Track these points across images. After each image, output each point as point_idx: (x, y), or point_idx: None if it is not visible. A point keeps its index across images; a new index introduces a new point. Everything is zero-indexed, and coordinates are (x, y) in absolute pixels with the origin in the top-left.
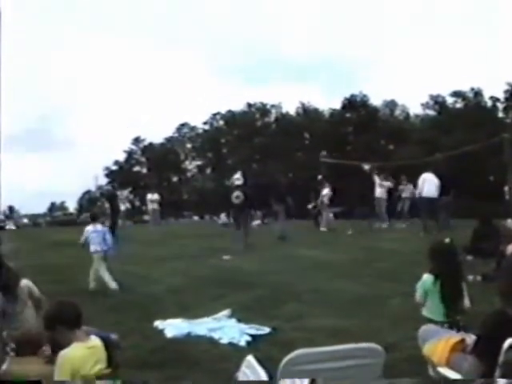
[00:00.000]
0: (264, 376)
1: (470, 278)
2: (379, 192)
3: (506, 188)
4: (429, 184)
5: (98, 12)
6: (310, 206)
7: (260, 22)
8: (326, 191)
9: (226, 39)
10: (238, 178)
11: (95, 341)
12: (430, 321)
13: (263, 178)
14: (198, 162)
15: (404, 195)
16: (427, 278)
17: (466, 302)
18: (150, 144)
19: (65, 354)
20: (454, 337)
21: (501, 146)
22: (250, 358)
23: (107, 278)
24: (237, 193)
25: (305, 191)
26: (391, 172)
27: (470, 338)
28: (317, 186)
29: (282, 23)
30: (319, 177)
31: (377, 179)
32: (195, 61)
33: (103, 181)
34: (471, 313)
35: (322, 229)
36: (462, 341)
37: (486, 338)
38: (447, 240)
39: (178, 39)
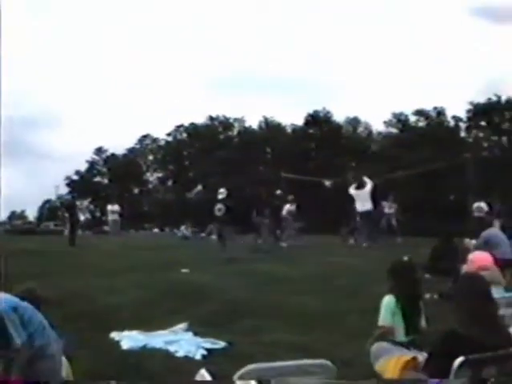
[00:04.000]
0: None
1: (427, 296)
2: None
3: (476, 205)
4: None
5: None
6: (265, 221)
7: (225, 36)
8: (288, 206)
9: (191, 52)
10: (221, 192)
11: None
12: (389, 340)
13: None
14: (160, 174)
15: (388, 211)
16: (390, 299)
17: (423, 322)
18: (113, 154)
19: None
20: (406, 355)
21: (462, 165)
22: (203, 372)
23: None
24: (219, 205)
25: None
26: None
27: (422, 356)
28: (275, 201)
29: (248, 38)
30: (278, 192)
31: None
32: (159, 73)
33: (64, 190)
34: (427, 331)
35: (283, 244)
36: (414, 359)
37: (437, 356)
38: (405, 258)
39: (141, 52)
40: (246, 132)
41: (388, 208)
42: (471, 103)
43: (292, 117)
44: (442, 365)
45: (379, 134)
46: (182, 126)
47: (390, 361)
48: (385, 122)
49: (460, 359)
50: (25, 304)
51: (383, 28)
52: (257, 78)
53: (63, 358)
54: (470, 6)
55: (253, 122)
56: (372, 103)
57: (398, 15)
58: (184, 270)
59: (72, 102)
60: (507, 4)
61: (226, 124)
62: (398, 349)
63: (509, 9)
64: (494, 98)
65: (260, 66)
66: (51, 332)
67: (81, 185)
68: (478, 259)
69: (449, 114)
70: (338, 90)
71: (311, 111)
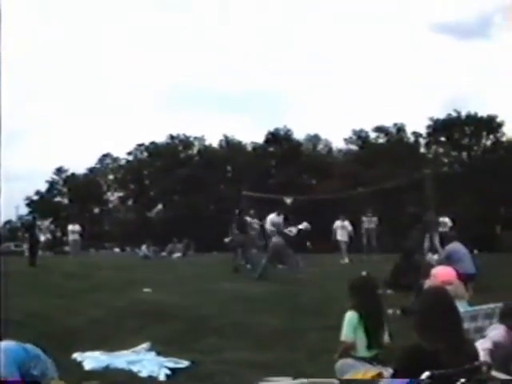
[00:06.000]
0: None
1: (390, 311)
2: (340, 234)
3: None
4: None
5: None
6: (226, 240)
7: (185, 54)
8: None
9: (150, 70)
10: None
11: None
12: (353, 356)
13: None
14: (120, 194)
15: (367, 226)
16: (352, 315)
17: (386, 337)
18: (73, 174)
19: None
20: (371, 370)
21: (422, 181)
22: None
23: None
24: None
25: (226, 224)
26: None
27: (388, 372)
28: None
29: (208, 56)
30: (237, 211)
31: (338, 222)
32: (118, 92)
33: (24, 210)
34: (390, 346)
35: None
36: (380, 374)
37: (402, 372)
38: (364, 273)
39: (100, 71)
40: (207, 150)
41: (368, 223)
42: (431, 119)
43: (252, 135)
44: None
45: (339, 151)
46: (142, 144)
47: (356, 376)
48: (345, 139)
49: (426, 374)
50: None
51: (343, 45)
52: (217, 96)
53: None
54: (430, 23)
55: (213, 140)
56: (332, 120)
57: (358, 32)
58: (146, 290)
59: (31, 120)
60: (467, 21)
61: (187, 143)
62: (362, 364)
63: (468, 25)
64: (454, 114)
65: (220, 84)
66: (45, 356)
67: (41, 205)
68: (441, 274)
69: (409, 130)
70: (298, 108)
71: (271, 129)
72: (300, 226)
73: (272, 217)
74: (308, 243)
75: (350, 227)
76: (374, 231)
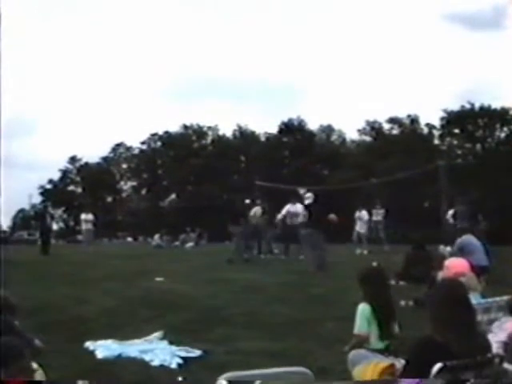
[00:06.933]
0: None
1: (402, 303)
2: (359, 225)
3: (451, 212)
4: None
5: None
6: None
7: (200, 44)
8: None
9: (163, 60)
10: (308, 197)
11: None
12: (365, 348)
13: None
14: (133, 183)
15: (375, 218)
16: (365, 307)
17: (395, 328)
18: (86, 163)
19: None
20: (384, 361)
21: (436, 173)
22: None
23: None
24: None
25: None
26: (326, 196)
27: (400, 363)
28: (245, 211)
29: (222, 46)
30: (247, 201)
31: (357, 212)
32: (133, 81)
33: (37, 199)
34: (402, 338)
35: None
36: (392, 365)
37: (414, 363)
38: (374, 264)
39: (114, 59)
40: (220, 140)
41: (375, 215)
42: (445, 111)
43: (266, 125)
44: (420, 371)
45: (353, 142)
46: (156, 134)
47: (368, 367)
48: (358, 130)
49: (438, 365)
50: None
51: (357, 36)
52: (230, 87)
53: (36, 365)
54: (444, 13)
55: (226, 130)
56: (346, 111)
57: (372, 23)
58: (158, 279)
59: (45, 110)
60: (481, 11)
61: (200, 133)
62: (374, 355)
63: (483, 16)
64: (468, 106)
65: (234, 75)
66: None
67: (54, 194)
68: (454, 265)
69: (422, 121)
70: (312, 99)
71: (285, 119)
72: (307, 195)
73: (288, 207)
74: (332, 215)
75: (366, 217)
76: (381, 223)
